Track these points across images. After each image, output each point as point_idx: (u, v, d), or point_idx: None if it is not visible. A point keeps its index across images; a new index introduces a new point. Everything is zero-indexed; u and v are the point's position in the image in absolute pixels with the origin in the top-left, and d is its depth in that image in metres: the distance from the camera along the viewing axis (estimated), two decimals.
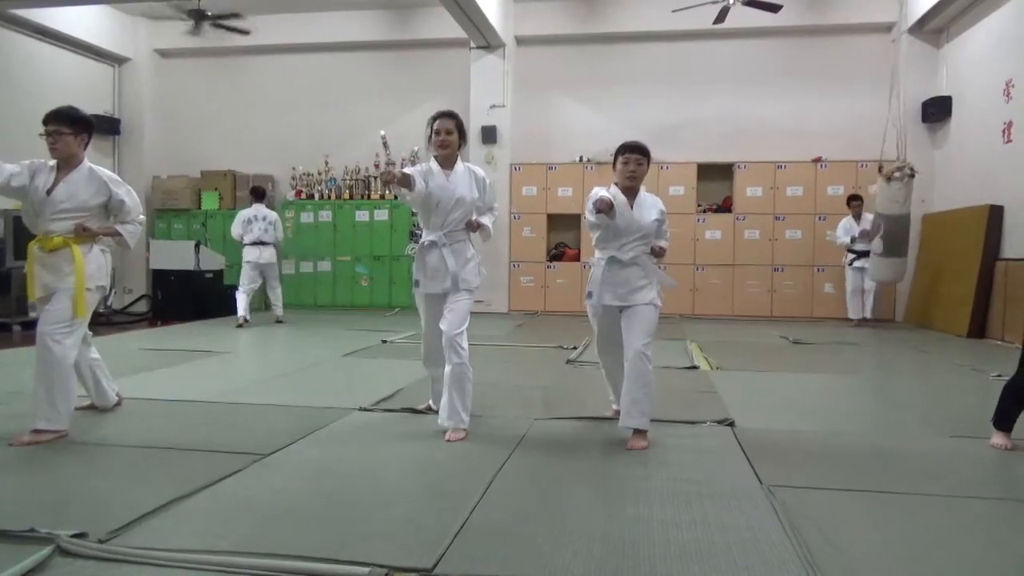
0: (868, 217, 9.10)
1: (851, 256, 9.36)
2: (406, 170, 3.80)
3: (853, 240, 9.18)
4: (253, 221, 9.05)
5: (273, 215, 9.25)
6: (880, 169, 8.86)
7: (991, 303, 8.21)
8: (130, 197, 3.98)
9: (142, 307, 11.44)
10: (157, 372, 5.75)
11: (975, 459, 3.55)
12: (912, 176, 8.58)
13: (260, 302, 9.51)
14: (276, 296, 9.33)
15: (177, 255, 10.26)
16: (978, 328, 8.24)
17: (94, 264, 3.88)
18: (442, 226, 3.92)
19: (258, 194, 9.32)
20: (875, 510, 2.83)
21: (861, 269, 9.23)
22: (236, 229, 9.09)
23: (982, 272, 8.25)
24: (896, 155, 9.02)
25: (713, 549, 2.40)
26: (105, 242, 4.01)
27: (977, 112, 8.92)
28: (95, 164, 3.95)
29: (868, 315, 9.39)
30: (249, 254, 9.00)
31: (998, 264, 8.21)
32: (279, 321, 9.23)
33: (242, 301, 8.91)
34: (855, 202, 9.26)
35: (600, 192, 3.68)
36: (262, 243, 9.02)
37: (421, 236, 4.04)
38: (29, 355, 3.78)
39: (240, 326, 8.74)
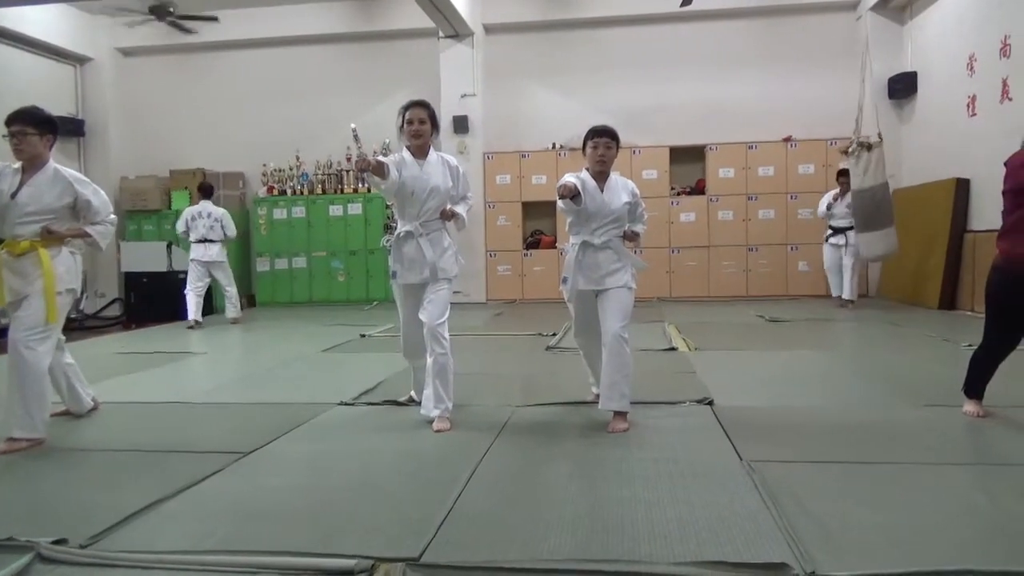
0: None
1: (828, 231, 9.15)
2: (379, 158, 3.78)
3: (829, 208, 8.92)
4: (197, 218, 8.78)
5: (220, 212, 8.91)
6: (845, 151, 8.84)
7: (960, 275, 8.36)
8: (97, 197, 3.91)
9: (115, 311, 11.29)
10: (133, 375, 5.67)
11: (948, 427, 3.63)
12: (867, 148, 8.52)
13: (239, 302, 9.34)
14: (229, 296, 9.04)
15: (149, 257, 10.12)
16: (949, 300, 8.38)
17: (63, 267, 3.81)
18: (417, 216, 3.91)
19: (205, 191, 9.05)
20: (852, 480, 2.88)
21: (837, 246, 8.96)
22: (180, 226, 8.90)
23: (951, 245, 8.38)
24: (855, 131, 8.95)
25: (696, 526, 2.44)
26: (75, 244, 3.94)
27: (942, 87, 9.03)
28: (61, 166, 3.88)
29: (847, 296, 8.90)
30: (195, 252, 8.78)
31: (966, 236, 8.34)
32: (234, 322, 8.97)
33: (191, 302, 8.66)
34: (843, 178, 8.89)
35: (567, 178, 3.69)
36: (208, 240, 8.77)
37: (396, 228, 4.03)
38: (2, 363, 3.71)
39: (191, 328, 8.53)
